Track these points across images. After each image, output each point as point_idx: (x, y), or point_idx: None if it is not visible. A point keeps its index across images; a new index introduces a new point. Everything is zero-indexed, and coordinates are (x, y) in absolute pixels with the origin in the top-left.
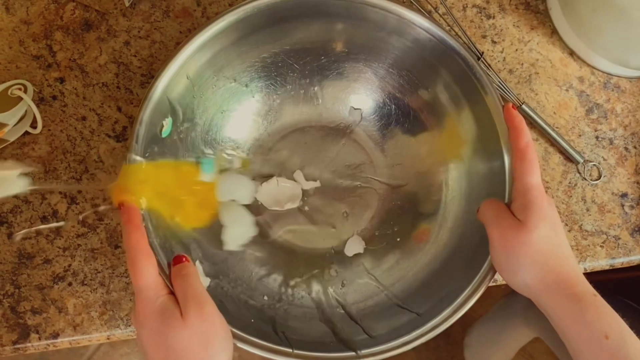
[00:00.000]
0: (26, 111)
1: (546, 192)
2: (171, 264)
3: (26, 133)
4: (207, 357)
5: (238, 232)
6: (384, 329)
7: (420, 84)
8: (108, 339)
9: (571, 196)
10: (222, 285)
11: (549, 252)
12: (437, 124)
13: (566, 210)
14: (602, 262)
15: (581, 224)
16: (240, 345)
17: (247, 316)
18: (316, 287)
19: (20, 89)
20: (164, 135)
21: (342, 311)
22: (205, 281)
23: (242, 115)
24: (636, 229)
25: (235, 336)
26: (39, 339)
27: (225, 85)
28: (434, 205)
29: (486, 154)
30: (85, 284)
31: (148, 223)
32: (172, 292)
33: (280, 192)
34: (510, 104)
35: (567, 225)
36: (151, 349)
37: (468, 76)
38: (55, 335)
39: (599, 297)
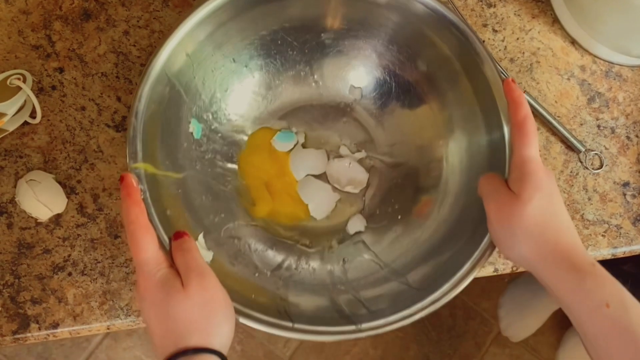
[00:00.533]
0: (25, 101)
1: None
2: (172, 239)
3: (25, 123)
4: (209, 327)
5: (323, 203)
6: (384, 303)
7: (419, 58)
8: (108, 329)
9: (572, 185)
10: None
11: (544, 223)
12: (436, 97)
13: (568, 200)
14: (604, 252)
15: (583, 213)
16: (241, 320)
17: (248, 291)
18: (316, 263)
19: (19, 79)
20: (197, 137)
21: (343, 287)
22: (208, 255)
23: (242, 93)
24: (638, 217)
25: (236, 311)
26: (39, 329)
27: (225, 65)
28: (435, 180)
29: (486, 127)
30: (85, 274)
31: (147, 198)
32: (172, 266)
33: (348, 174)
34: (511, 79)
35: (568, 214)
36: (153, 321)
37: (466, 49)
38: (55, 325)
39: (598, 266)
